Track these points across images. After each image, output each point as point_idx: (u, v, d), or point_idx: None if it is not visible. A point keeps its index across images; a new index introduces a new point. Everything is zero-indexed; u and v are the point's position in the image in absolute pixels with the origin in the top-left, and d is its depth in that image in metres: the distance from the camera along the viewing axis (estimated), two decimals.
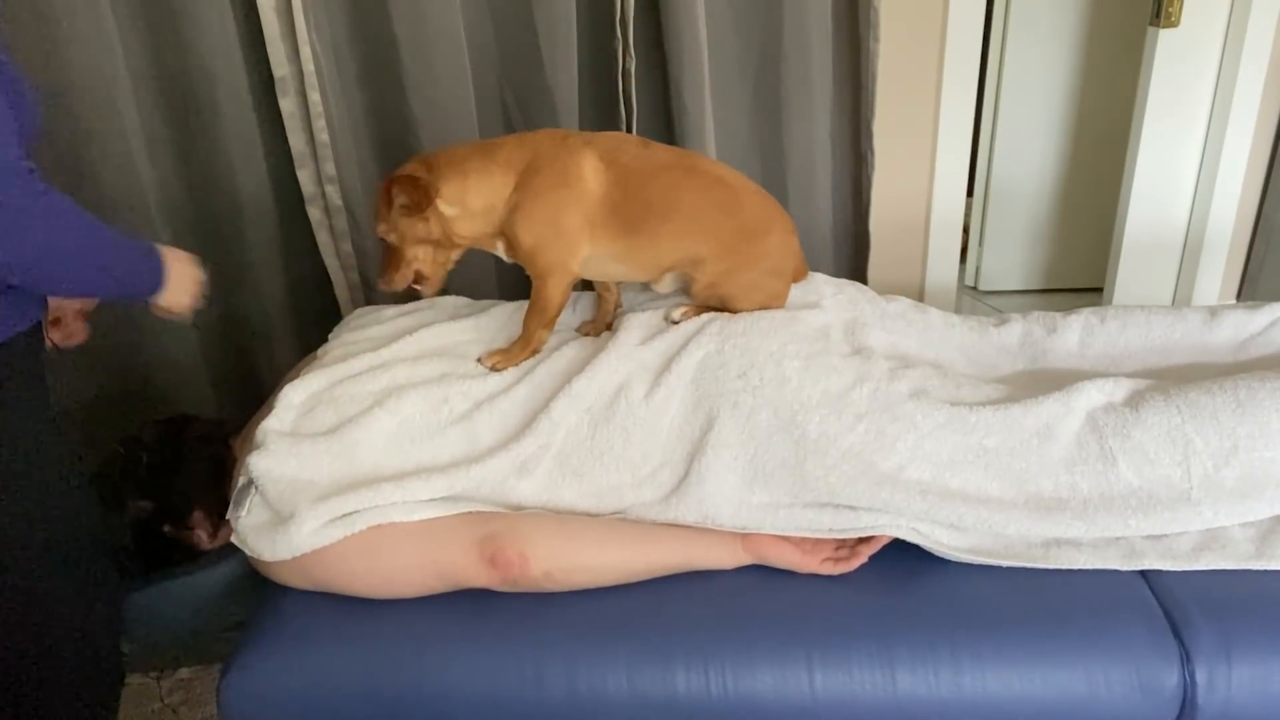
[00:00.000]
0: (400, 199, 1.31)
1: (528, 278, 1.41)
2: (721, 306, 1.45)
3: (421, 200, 1.31)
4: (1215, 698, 1.14)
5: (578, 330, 1.51)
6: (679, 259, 1.42)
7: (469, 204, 1.34)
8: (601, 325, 1.50)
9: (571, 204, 1.34)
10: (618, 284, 1.53)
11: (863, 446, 1.26)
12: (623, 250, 1.39)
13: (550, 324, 1.41)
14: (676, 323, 1.42)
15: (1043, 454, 1.26)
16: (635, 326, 1.41)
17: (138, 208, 1.80)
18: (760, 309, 1.44)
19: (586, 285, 1.56)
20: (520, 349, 1.40)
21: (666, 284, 1.50)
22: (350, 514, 1.22)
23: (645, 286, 1.57)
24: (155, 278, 1.13)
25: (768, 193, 1.49)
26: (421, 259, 1.38)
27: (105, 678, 1.25)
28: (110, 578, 1.22)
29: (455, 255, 1.42)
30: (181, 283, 1.17)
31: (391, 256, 1.37)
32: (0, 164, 0.91)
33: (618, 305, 1.52)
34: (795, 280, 1.54)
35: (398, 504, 1.23)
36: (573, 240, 1.36)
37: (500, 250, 1.41)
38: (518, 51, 1.89)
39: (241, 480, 1.27)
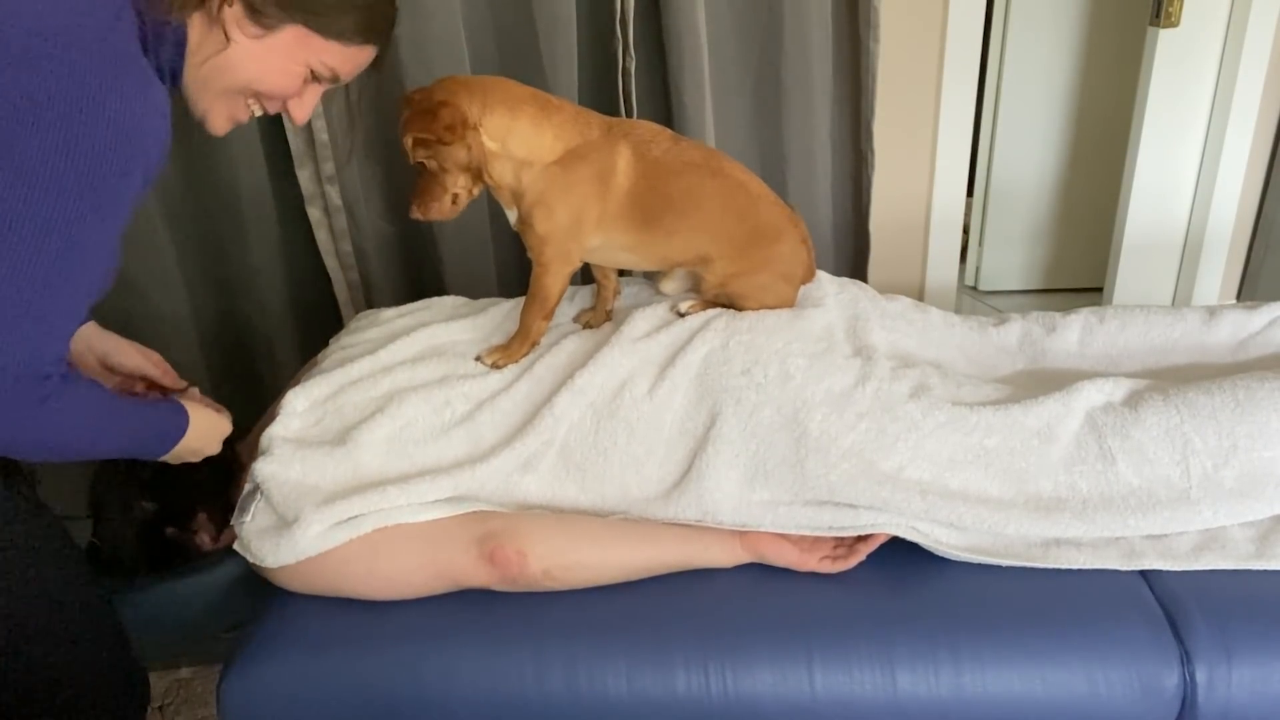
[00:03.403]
0: (440, 133, 1.25)
1: (525, 272, 1.40)
2: (730, 304, 1.45)
3: (453, 134, 1.25)
4: (1215, 698, 1.14)
5: (575, 320, 1.50)
6: (690, 256, 1.42)
7: (510, 147, 1.30)
8: (602, 314, 1.49)
9: (596, 200, 1.33)
10: (618, 275, 1.52)
11: (863, 445, 1.26)
12: (636, 241, 1.39)
13: (549, 315, 1.40)
14: (683, 315, 1.42)
15: (1042, 454, 1.26)
16: (639, 320, 1.41)
17: (138, 207, 1.80)
18: (768, 309, 1.44)
19: (587, 278, 1.56)
20: (519, 343, 1.40)
21: (673, 285, 1.50)
22: (355, 517, 1.22)
23: (648, 279, 1.57)
24: (166, 442, 1.11)
25: (786, 203, 1.49)
26: (461, 186, 1.32)
27: (126, 688, 1.25)
28: (95, 595, 1.21)
29: (480, 188, 1.37)
30: (200, 439, 1.15)
31: (430, 184, 1.31)
32: (10, 365, 0.86)
33: (617, 293, 1.52)
34: (804, 283, 1.54)
35: (402, 506, 1.23)
36: (584, 235, 1.36)
37: (511, 216, 1.38)
38: (518, 51, 1.89)
39: (247, 487, 1.28)
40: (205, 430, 1.17)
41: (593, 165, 1.32)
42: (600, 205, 1.34)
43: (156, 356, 1.32)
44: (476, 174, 1.32)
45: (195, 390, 1.28)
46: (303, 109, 1.11)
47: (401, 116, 1.28)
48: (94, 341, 1.27)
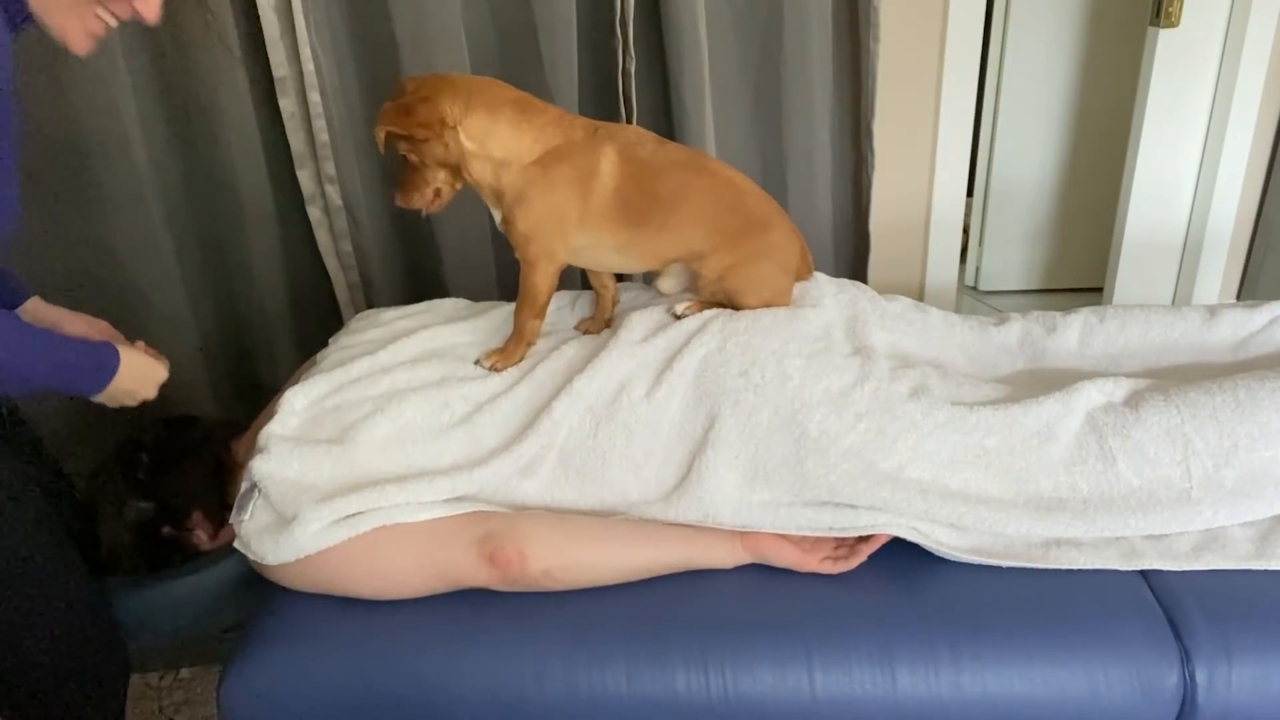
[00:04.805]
0: (413, 129, 1.27)
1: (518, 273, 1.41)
2: (728, 301, 1.45)
3: (428, 131, 1.28)
4: (1215, 698, 1.14)
5: (576, 328, 1.51)
6: (682, 252, 1.42)
7: (488, 147, 1.32)
8: (601, 322, 1.50)
9: (578, 199, 1.34)
10: (616, 281, 1.53)
11: (863, 445, 1.26)
12: (626, 241, 1.39)
13: (540, 313, 1.41)
14: (680, 317, 1.42)
15: (1042, 454, 1.26)
16: (636, 324, 1.42)
17: (138, 208, 1.81)
18: (766, 305, 1.45)
19: (587, 283, 1.56)
20: (515, 345, 1.40)
21: (670, 283, 1.50)
22: (354, 515, 1.22)
23: (646, 283, 1.57)
24: (98, 379, 1.16)
25: (772, 198, 1.50)
26: (442, 180, 1.35)
27: (106, 671, 1.26)
28: (80, 573, 1.24)
29: (462, 183, 1.39)
30: (134, 381, 1.20)
31: (412, 176, 1.35)
32: None
33: (615, 301, 1.53)
34: (800, 279, 1.54)
35: (401, 505, 1.23)
36: (567, 233, 1.36)
37: (496, 216, 1.40)
38: (518, 51, 1.89)
39: (245, 485, 1.28)
40: (139, 373, 1.21)
41: (573, 165, 1.33)
42: (582, 204, 1.34)
43: (103, 325, 1.36)
44: (456, 171, 1.34)
45: (141, 343, 1.31)
46: (150, 7, 1.11)
47: (382, 107, 1.29)
48: (40, 314, 1.31)
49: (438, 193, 1.36)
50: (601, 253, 1.41)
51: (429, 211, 1.38)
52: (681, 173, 1.39)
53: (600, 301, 1.52)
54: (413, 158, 1.32)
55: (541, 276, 1.38)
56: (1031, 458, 1.26)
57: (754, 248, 1.43)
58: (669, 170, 1.38)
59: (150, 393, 1.25)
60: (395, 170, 1.38)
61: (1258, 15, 2.19)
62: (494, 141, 1.31)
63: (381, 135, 1.29)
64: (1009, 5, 2.89)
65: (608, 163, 1.35)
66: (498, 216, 1.40)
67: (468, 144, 1.31)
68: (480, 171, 1.34)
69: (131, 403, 1.23)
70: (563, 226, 1.35)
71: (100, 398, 1.19)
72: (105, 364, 1.16)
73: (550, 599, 1.23)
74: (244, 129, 1.84)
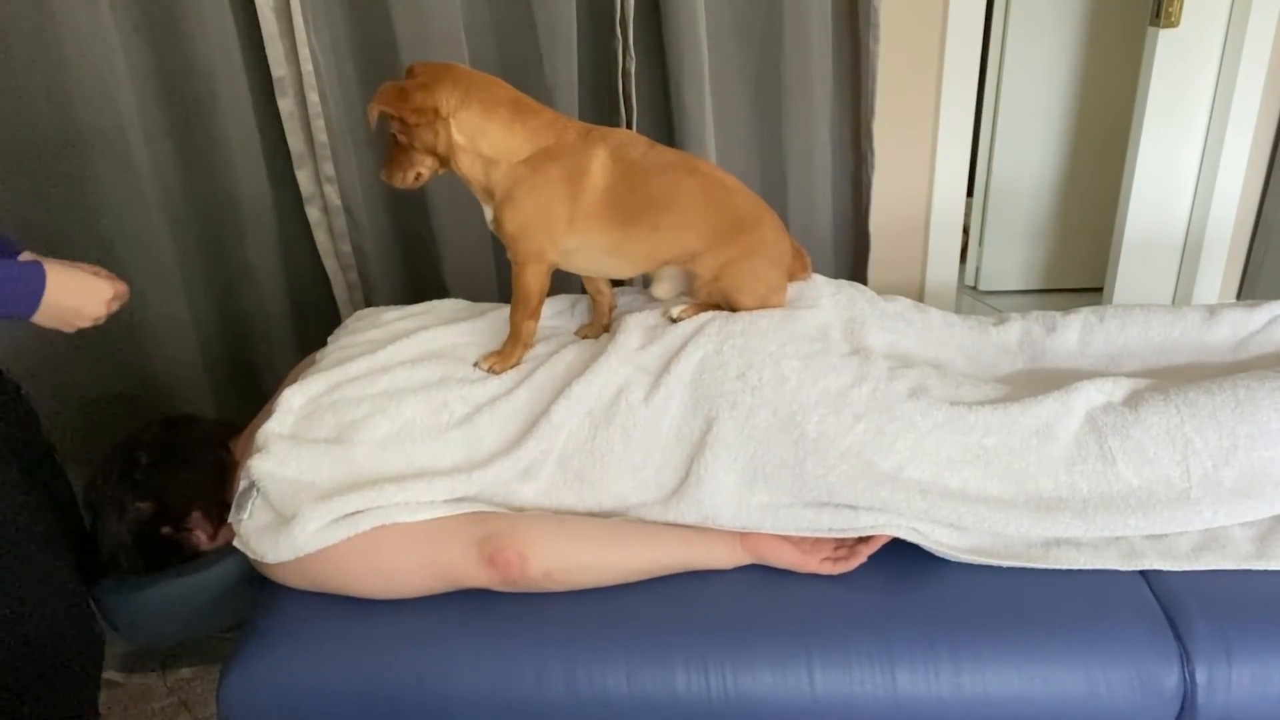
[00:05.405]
0: (405, 113, 1.28)
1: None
2: (724, 301, 1.45)
3: (420, 117, 1.29)
4: (1215, 698, 1.14)
5: (576, 334, 1.51)
6: (675, 253, 1.42)
7: (478, 144, 1.33)
8: (599, 327, 1.50)
9: (567, 199, 1.34)
10: (611, 287, 1.52)
11: (862, 446, 1.26)
12: (618, 241, 1.39)
13: (534, 314, 1.41)
14: (676, 320, 1.42)
15: (1042, 454, 1.26)
16: (634, 328, 1.42)
17: (138, 208, 1.81)
18: (762, 303, 1.44)
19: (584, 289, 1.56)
20: (512, 347, 1.40)
21: (665, 287, 1.50)
22: (353, 514, 1.22)
23: (643, 288, 1.57)
24: (26, 296, 1.13)
25: (759, 197, 1.50)
26: (426, 166, 1.36)
27: (82, 662, 1.26)
28: (56, 563, 1.23)
29: (444, 170, 1.40)
30: (74, 297, 1.17)
31: (399, 155, 1.35)
32: None
33: (612, 306, 1.53)
34: (798, 278, 1.54)
35: (400, 505, 1.23)
36: (556, 233, 1.36)
37: (487, 215, 1.41)
38: (518, 51, 1.89)
39: (243, 484, 1.28)
40: (75, 288, 1.18)
41: (563, 165, 1.33)
42: (571, 204, 1.34)
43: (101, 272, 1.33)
44: (443, 160, 1.34)
45: (102, 269, 1.28)
46: None
47: (382, 85, 1.30)
48: None
49: (418, 175, 1.37)
50: (593, 256, 1.41)
51: (406, 188, 1.39)
52: (672, 173, 1.39)
53: (597, 307, 1.52)
54: (403, 139, 1.33)
55: (532, 277, 1.38)
56: (1031, 457, 1.26)
57: (747, 244, 1.43)
58: (660, 171, 1.38)
59: (98, 310, 1.21)
60: (385, 143, 1.39)
61: (1258, 15, 2.19)
62: (484, 139, 1.32)
63: (375, 114, 1.29)
64: (1009, 5, 2.89)
65: (598, 163, 1.35)
66: (489, 216, 1.40)
67: (458, 138, 1.31)
68: (469, 167, 1.34)
69: (84, 323, 1.19)
70: (551, 226, 1.35)
71: (40, 319, 1.15)
72: (30, 281, 1.13)
73: (550, 599, 1.23)
74: (243, 129, 1.84)
